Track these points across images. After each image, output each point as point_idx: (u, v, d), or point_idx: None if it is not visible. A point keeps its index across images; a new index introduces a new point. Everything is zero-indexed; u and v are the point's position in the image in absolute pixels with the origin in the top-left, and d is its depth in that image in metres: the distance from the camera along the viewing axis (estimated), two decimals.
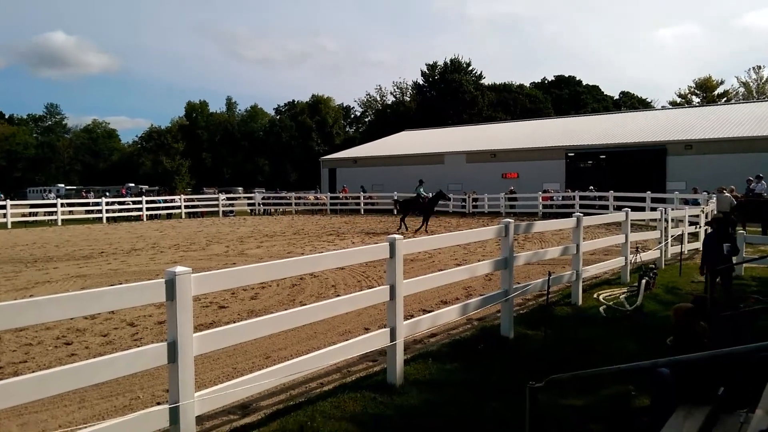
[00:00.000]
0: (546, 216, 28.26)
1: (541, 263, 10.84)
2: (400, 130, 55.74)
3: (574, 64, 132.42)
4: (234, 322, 7.88)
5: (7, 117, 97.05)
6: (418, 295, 8.61)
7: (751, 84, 69.07)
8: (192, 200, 37.42)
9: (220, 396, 4.13)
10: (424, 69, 72.01)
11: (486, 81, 74.15)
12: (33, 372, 5.84)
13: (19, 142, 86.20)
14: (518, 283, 7.93)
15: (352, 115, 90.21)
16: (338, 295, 9.48)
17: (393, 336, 5.48)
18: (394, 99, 79.54)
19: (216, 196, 38.51)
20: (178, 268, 3.84)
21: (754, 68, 70.30)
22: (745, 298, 8.30)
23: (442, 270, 8.30)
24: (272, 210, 38.40)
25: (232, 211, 37.09)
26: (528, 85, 79.73)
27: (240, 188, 49.98)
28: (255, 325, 4.48)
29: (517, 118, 59.48)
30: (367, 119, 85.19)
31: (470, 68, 72.01)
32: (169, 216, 34.60)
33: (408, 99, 76.92)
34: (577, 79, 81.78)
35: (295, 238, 20.42)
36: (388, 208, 34.89)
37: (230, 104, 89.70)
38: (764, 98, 59.18)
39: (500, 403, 4.92)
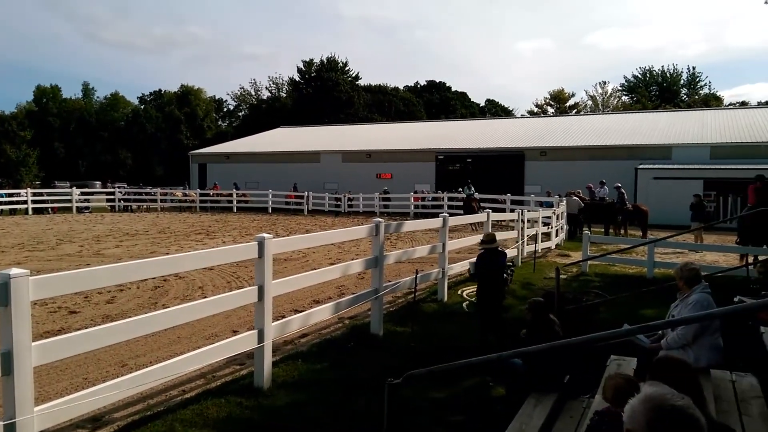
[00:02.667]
0: (417, 216, 29.28)
1: (411, 261, 11.20)
2: (275, 127, 54.78)
3: (444, 70, 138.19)
4: (86, 328, 7.27)
5: None
6: (290, 295, 8.51)
7: (597, 98, 76.83)
8: (41, 194, 33.83)
9: (66, 409, 3.77)
10: (300, 65, 71.49)
11: (362, 82, 75.30)
12: None
13: None
14: (389, 281, 8.14)
15: (225, 109, 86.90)
16: (205, 297, 9.11)
17: (261, 338, 5.36)
18: (269, 94, 77.97)
19: (69, 190, 35.12)
20: (13, 270, 3.45)
21: (600, 83, 78.39)
22: (587, 292, 9.21)
23: (315, 269, 8.27)
24: (135, 207, 35.91)
25: (87, 208, 34.09)
26: (402, 88, 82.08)
27: (98, 182, 45.92)
28: (107, 330, 4.14)
29: (391, 120, 61.04)
30: (240, 114, 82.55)
31: (347, 68, 72.67)
32: (12, 212, 30.99)
33: (284, 95, 75.77)
34: (447, 85, 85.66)
35: (159, 237, 19.25)
36: (262, 206, 34.15)
37: (87, 90, 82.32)
38: (608, 111, 66.14)
39: (367, 399, 5.00)
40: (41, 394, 4.93)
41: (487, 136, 38.56)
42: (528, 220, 14.05)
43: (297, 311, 7.90)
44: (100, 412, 4.58)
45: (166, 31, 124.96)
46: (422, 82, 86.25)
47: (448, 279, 9.59)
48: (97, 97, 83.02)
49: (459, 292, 9.86)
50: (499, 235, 12.94)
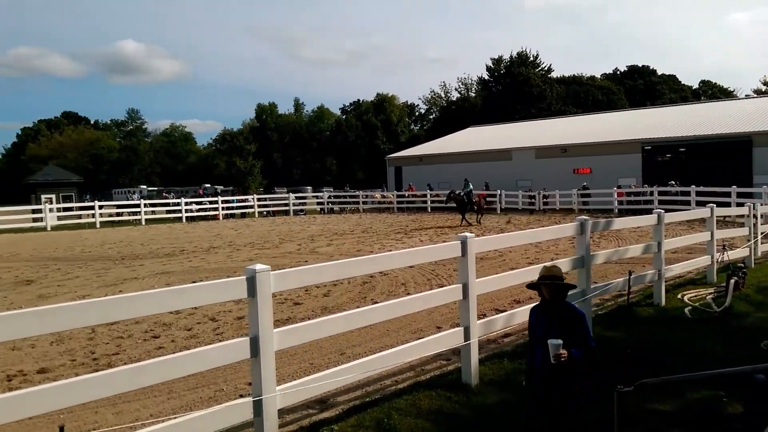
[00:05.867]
0: (622, 213, 27.17)
1: (618, 262, 10.43)
2: (465, 127, 55.16)
3: (646, 53, 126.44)
4: (308, 319, 8.08)
5: (92, 122, 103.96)
6: (491, 294, 8.47)
7: None
8: (264, 200, 38.61)
9: (300, 390, 4.23)
10: (489, 63, 70.93)
11: (554, 74, 72.15)
12: (125, 363, 6.22)
13: (104, 146, 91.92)
14: (595, 283, 7.67)
15: (417, 113, 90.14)
16: (408, 293, 9.53)
17: (467, 335, 5.43)
18: (458, 95, 78.83)
19: (287, 195, 39.57)
20: (258, 266, 3.95)
21: None
22: None
23: (513, 269, 8.15)
24: (339, 209, 39.02)
25: (302, 210, 38.00)
26: (599, 76, 76.85)
27: (309, 187, 51.10)
28: (333, 321, 4.57)
29: (588, 111, 57.50)
30: (431, 116, 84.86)
31: (538, 61, 70.23)
32: (243, 215, 35.84)
33: (473, 95, 75.97)
34: (651, 68, 78.07)
35: (363, 236, 20.64)
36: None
37: (298, 105, 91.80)
38: None
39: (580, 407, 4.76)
40: (277, 376, 5.59)
41: (703, 122, 34.23)
42: (762, 215, 12.16)
43: (498, 311, 7.86)
44: (325, 395, 5.04)
45: (355, 44, 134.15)
46: (622, 68, 79.93)
47: (666, 281, 8.72)
48: (306, 110, 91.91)
49: (679, 296, 8.90)
50: (725, 233, 11.42)
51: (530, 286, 4.00)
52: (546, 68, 70.91)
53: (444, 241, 16.32)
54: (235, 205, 36.31)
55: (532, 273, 6.67)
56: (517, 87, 65.33)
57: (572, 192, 30.66)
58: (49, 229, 29.36)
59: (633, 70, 78.71)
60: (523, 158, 38.15)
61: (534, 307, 3.99)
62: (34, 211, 32.53)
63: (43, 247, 20.19)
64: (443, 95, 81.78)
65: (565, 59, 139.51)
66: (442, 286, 9.90)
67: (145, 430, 3.45)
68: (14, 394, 3.19)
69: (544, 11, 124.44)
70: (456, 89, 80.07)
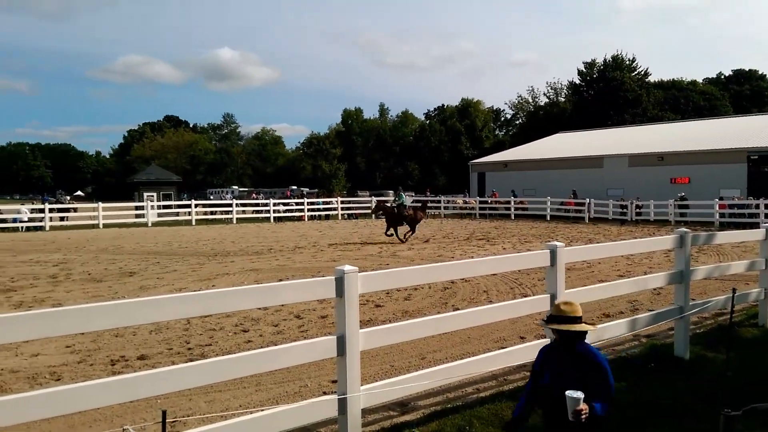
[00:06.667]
0: (723, 226, 25.35)
1: (719, 279, 9.75)
2: (553, 133, 53.61)
3: (755, 55, 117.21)
4: (389, 321, 8.16)
5: (191, 126, 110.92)
6: (585, 305, 8.19)
7: None
8: (348, 202, 39.39)
9: (383, 392, 4.27)
10: (581, 67, 68.50)
11: (651, 78, 68.58)
12: (217, 355, 6.55)
13: (201, 149, 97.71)
14: (694, 300, 7.21)
15: (502, 118, 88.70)
16: (490, 301, 9.38)
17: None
18: (547, 100, 76.74)
19: (369, 199, 40.17)
20: (347, 267, 4.03)
21: None
22: None
23: (603, 281, 7.83)
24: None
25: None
26: (701, 81, 72.25)
27: (391, 191, 51.53)
28: (417, 325, 4.58)
29: (688, 118, 54.17)
30: (517, 122, 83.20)
31: (634, 64, 67.03)
32: (327, 217, 36.75)
33: (563, 99, 73.70)
34: (760, 72, 72.39)
35: (444, 241, 20.54)
36: (540, 214, 33.75)
37: (383, 110, 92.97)
38: None
39: (674, 426, 4.49)
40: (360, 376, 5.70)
41: None
42: None
43: (585, 323, 7.56)
44: (406, 399, 5.06)
45: (441, 49, 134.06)
46: (726, 72, 74.68)
47: None
48: (391, 115, 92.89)
49: None
50: None
51: (544, 323, 3.33)
52: (643, 72, 67.54)
53: (528, 250, 15.92)
54: (320, 207, 37.32)
55: (625, 286, 6.38)
56: (610, 92, 62.69)
57: (668, 202, 28.97)
58: (150, 225, 31.46)
59: (739, 74, 73.40)
60: (615, 166, 36.52)
61: (545, 347, 3.39)
62: (137, 208, 34.97)
63: (144, 242, 21.67)
64: (531, 100, 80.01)
65: (663, 62, 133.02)
66: (525, 296, 9.68)
67: (237, 420, 3.62)
68: (119, 378, 3.45)
69: (641, 12, 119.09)
70: (545, 94, 78.11)
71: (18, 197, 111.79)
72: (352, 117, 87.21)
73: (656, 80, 69.28)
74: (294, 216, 35.61)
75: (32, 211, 30.56)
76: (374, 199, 37.18)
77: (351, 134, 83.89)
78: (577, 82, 69.25)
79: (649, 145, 37.14)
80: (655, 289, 9.34)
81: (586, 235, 22.65)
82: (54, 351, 6.92)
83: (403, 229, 20.82)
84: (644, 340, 7.24)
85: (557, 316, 3.16)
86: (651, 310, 6.71)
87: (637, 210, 30.15)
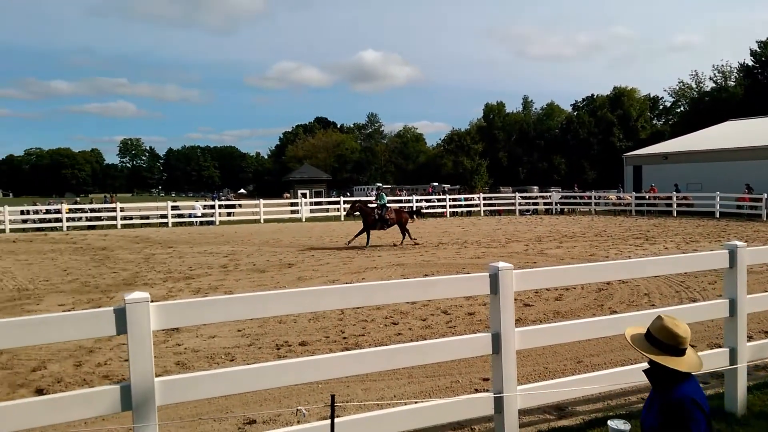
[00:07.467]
0: None
1: None
2: (721, 121, 48.08)
3: None
4: (540, 321, 7.92)
5: (339, 126, 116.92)
6: (759, 315, 7.30)
7: None
8: (490, 199, 38.79)
9: (541, 394, 4.15)
10: (754, 47, 60.61)
11: None
12: (370, 345, 6.82)
13: (347, 148, 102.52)
14: None
15: (660, 107, 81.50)
16: (653, 305, 8.70)
17: (733, 358, 4.75)
18: (713, 85, 69.03)
19: (512, 195, 39.19)
20: (501, 264, 3.97)
21: None
22: None
23: None
24: (568, 210, 37.29)
25: (528, 210, 37.29)
26: None
27: (535, 187, 49.90)
28: (579, 326, 4.39)
29: None
30: (678, 110, 75.93)
31: None
32: (468, 213, 36.53)
33: (732, 84, 65.83)
34: None
35: (596, 240, 19.40)
36: (708, 210, 30.51)
37: (526, 103, 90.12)
38: None
39: None
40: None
41: None
42: None
43: (767, 333, 6.72)
44: (563, 403, 4.86)
45: (590, 36, 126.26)
46: None
47: None
48: (535, 108, 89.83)
49: None
50: None
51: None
52: None
53: (695, 250, 14.49)
54: (461, 203, 37.19)
55: None
56: None
57: None
58: (303, 220, 33.62)
59: None
60: None
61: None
62: (292, 204, 37.55)
63: (299, 236, 23.21)
64: (694, 85, 72.55)
65: None
66: (694, 300, 8.85)
67: (396, 409, 3.73)
68: (291, 361, 3.72)
69: None
70: (711, 78, 70.35)
71: (191, 195, 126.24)
72: (494, 111, 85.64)
73: None
74: (435, 212, 35.85)
75: (204, 207, 34.31)
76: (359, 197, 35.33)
77: (493, 129, 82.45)
78: (750, 63, 61.42)
79: None
80: None
81: (764, 235, 20.04)
82: (227, 333, 7.67)
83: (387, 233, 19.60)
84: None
85: (656, 339, 2.52)
86: None
87: None
